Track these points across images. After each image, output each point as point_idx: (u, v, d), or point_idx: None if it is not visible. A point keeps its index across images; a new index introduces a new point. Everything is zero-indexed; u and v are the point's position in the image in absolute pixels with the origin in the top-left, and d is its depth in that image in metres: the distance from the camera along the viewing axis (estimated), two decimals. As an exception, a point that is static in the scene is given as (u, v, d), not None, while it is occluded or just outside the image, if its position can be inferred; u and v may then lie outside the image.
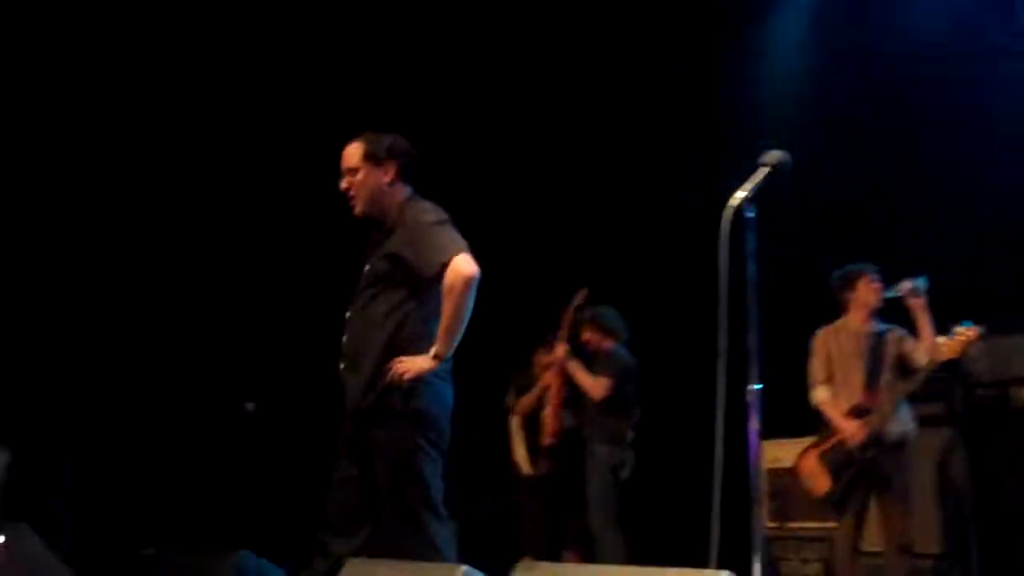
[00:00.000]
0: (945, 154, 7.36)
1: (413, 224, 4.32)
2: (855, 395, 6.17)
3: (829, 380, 6.28)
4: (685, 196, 7.80)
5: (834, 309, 6.44)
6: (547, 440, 7.53)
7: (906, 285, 6.07)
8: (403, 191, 4.46)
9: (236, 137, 8.92)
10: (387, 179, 4.43)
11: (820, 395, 6.28)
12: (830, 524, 6.78)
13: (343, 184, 4.46)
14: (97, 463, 8.21)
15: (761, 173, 3.63)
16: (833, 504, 6.20)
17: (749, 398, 3.44)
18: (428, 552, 4.09)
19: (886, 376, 6.16)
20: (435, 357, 4.16)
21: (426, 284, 4.26)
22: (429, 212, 4.36)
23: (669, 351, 7.58)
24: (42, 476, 7.70)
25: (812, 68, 8.46)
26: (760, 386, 3.43)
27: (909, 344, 6.14)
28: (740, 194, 3.57)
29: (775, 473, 7.72)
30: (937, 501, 6.85)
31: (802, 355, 6.52)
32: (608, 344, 7.30)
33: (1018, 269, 6.99)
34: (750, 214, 3.57)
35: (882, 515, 6.16)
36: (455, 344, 4.21)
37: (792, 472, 6.54)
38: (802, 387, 6.54)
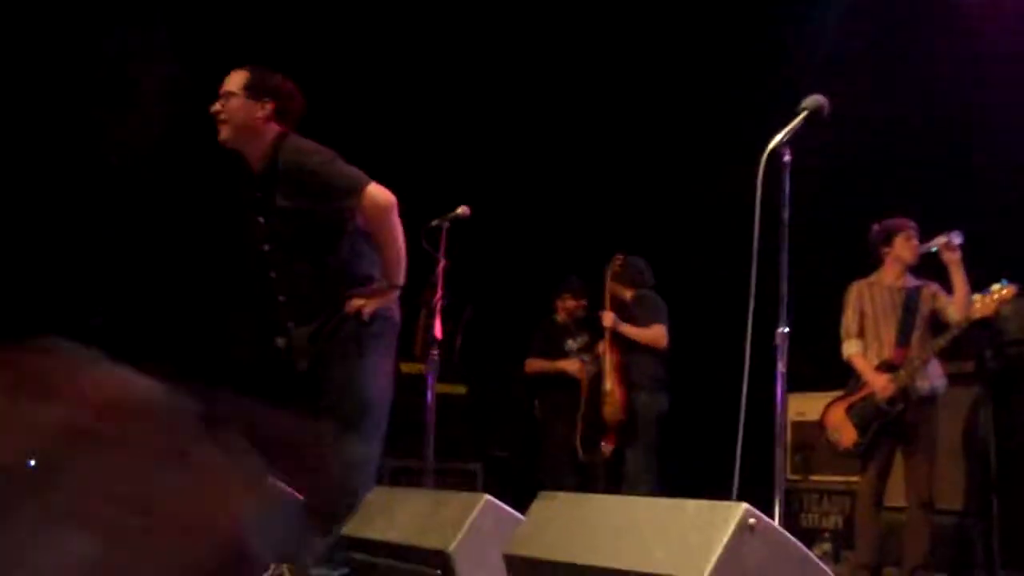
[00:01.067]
0: (988, 110, 7.27)
1: (302, 171, 4.25)
2: (886, 350, 6.16)
3: (861, 334, 6.27)
4: (725, 140, 7.73)
5: (867, 260, 6.41)
6: (618, 416, 7.44)
7: (941, 240, 6.04)
8: (275, 131, 4.37)
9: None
10: (261, 114, 4.34)
11: (851, 348, 6.27)
12: (852, 478, 6.81)
13: (215, 106, 4.36)
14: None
15: (799, 118, 3.62)
16: (858, 457, 6.21)
17: (777, 341, 3.45)
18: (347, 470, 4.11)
19: (918, 332, 6.15)
20: (392, 288, 4.23)
21: (346, 226, 4.25)
22: (315, 153, 4.29)
23: (702, 293, 7.58)
24: None
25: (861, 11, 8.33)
26: (787, 330, 3.43)
27: (943, 300, 6.12)
28: (777, 138, 3.57)
29: (799, 426, 7.76)
30: (961, 458, 6.85)
31: (830, 310, 6.50)
32: (641, 292, 7.31)
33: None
34: (787, 158, 3.56)
35: (907, 470, 6.17)
36: (403, 269, 4.24)
37: (818, 425, 6.54)
38: (829, 341, 6.53)
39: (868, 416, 6.12)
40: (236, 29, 8.17)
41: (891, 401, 6.04)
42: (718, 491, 3.82)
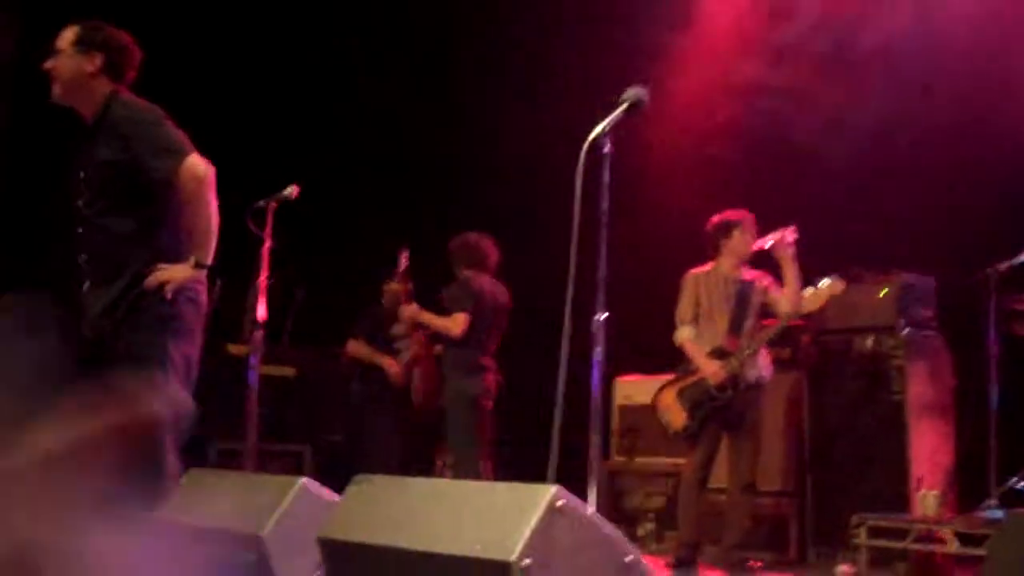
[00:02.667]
0: (825, 107, 7.51)
1: (127, 125, 4.16)
2: (718, 338, 6.32)
3: (695, 321, 6.41)
4: (546, 130, 7.82)
5: (697, 253, 6.56)
6: (424, 406, 7.48)
7: (776, 235, 6.22)
8: (108, 86, 4.27)
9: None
10: (90, 69, 4.24)
11: (685, 334, 6.42)
12: (677, 460, 7.00)
13: (47, 63, 4.26)
14: None
15: (619, 109, 3.68)
16: (686, 439, 6.37)
17: (594, 328, 3.51)
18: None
19: (750, 322, 6.33)
20: (197, 266, 4.07)
21: (160, 190, 4.12)
22: (145, 110, 4.20)
23: (526, 283, 7.62)
24: None
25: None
26: (606, 315, 3.50)
27: (774, 294, 6.31)
28: (598, 128, 3.62)
29: (626, 410, 7.93)
30: (779, 440, 7.11)
31: (660, 296, 6.64)
32: (464, 273, 7.21)
33: (868, 219, 7.23)
34: (607, 149, 3.62)
35: (731, 454, 6.35)
36: (212, 247, 4.10)
37: (649, 407, 6.68)
38: (655, 326, 6.67)
39: (698, 400, 6.27)
40: None
41: (721, 387, 6.20)
42: (543, 476, 3.88)
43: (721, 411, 6.25)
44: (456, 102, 9.01)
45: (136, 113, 4.18)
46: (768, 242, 6.28)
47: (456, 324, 6.89)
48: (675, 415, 6.37)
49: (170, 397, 3.97)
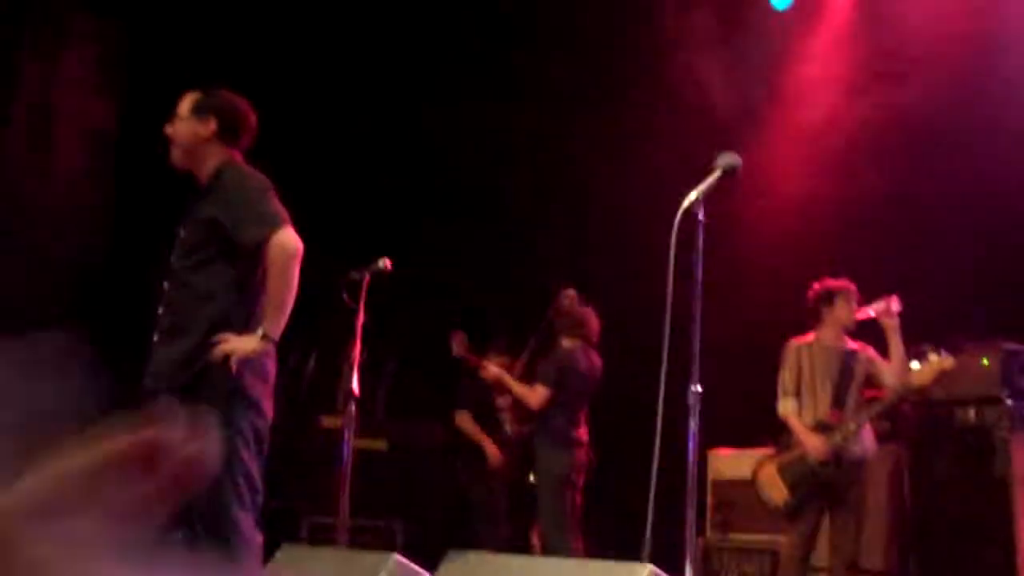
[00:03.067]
0: (925, 175, 7.41)
1: (232, 189, 4.22)
2: (821, 410, 6.16)
3: (797, 393, 6.28)
4: (640, 196, 7.79)
5: (792, 324, 6.45)
6: (513, 429, 7.48)
7: (880, 305, 6.08)
8: (222, 151, 4.35)
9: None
10: (205, 133, 4.33)
11: (787, 407, 6.24)
12: (773, 537, 6.82)
13: (167, 128, 4.37)
14: None
15: (714, 176, 3.64)
16: (787, 515, 6.20)
17: (690, 400, 3.44)
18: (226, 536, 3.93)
19: (853, 395, 6.16)
20: (263, 338, 4.01)
21: (247, 256, 4.12)
22: (249, 178, 4.26)
23: (618, 353, 7.55)
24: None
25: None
26: (700, 388, 3.43)
27: (879, 366, 6.15)
28: (692, 195, 3.58)
29: (720, 484, 7.76)
30: (883, 518, 6.90)
31: (748, 366, 6.54)
32: (564, 344, 7.18)
33: (970, 290, 7.07)
34: (701, 216, 3.58)
35: (833, 531, 6.15)
36: (283, 323, 4.06)
37: (744, 482, 6.54)
38: (749, 398, 6.56)
39: (800, 476, 6.11)
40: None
41: (823, 463, 6.04)
42: (636, 551, 3.80)
43: (823, 487, 6.09)
44: (547, 171, 9.03)
45: (243, 179, 4.26)
46: (871, 311, 6.14)
47: (535, 396, 6.85)
48: (776, 490, 6.22)
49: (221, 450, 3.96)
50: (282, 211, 4.17)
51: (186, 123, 4.35)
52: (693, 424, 3.43)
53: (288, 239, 4.07)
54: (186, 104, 4.39)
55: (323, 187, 8.49)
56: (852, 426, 6.04)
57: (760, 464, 6.36)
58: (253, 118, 4.46)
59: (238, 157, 4.39)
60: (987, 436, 6.46)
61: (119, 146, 8.56)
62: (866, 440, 6.16)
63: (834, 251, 7.56)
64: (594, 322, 7.09)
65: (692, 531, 3.32)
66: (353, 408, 5.42)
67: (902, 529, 6.84)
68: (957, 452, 6.59)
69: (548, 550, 6.92)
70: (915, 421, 6.86)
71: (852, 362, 6.20)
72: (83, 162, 8.41)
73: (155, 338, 4.24)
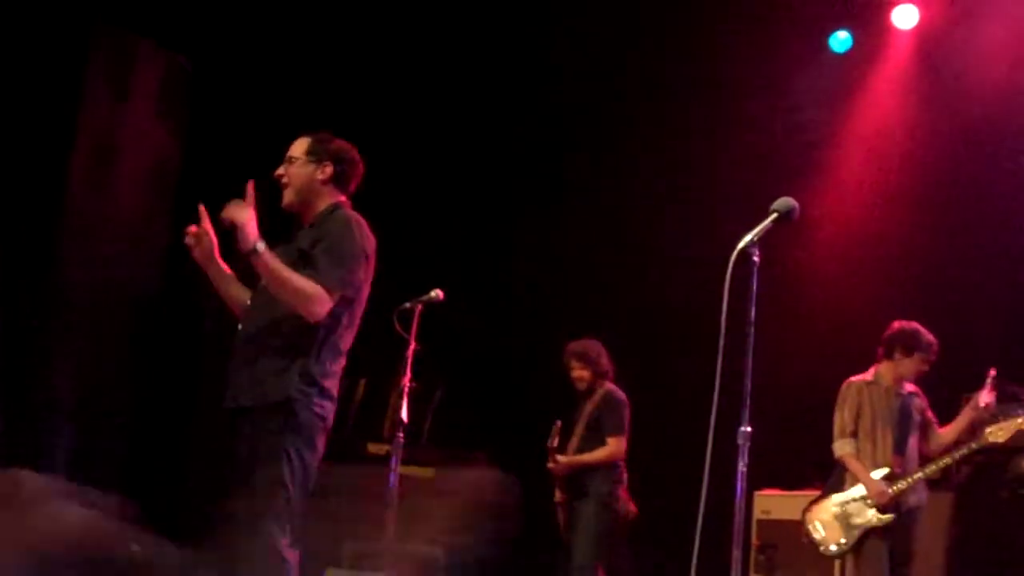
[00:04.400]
0: (981, 216, 7.40)
1: (334, 232, 4.29)
2: (881, 455, 6.07)
3: (855, 434, 6.19)
4: (693, 238, 7.81)
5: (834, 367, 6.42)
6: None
7: (988, 397, 6.04)
8: (333, 195, 4.45)
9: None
10: (321, 177, 4.41)
11: (846, 448, 6.15)
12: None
13: (279, 170, 4.43)
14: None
15: (769, 219, 3.66)
16: (840, 559, 6.14)
17: (739, 440, 3.46)
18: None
19: (913, 439, 6.11)
20: (259, 241, 4.06)
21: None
22: (353, 235, 4.31)
23: (669, 390, 7.56)
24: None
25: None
26: (749, 429, 3.44)
27: (929, 422, 6.18)
28: (747, 238, 3.60)
29: (765, 524, 7.71)
30: (929, 565, 6.82)
31: (798, 407, 6.51)
32: (606, 386, 7.09)
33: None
34: (756, 258, 3.60)
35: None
36: (270, 260, 4.06)
37: (793, 523, 6.47)
38: (795, 439, 6.52)
39: (857, 520, 6.05)
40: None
41: (884, 509, 5.99)
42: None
43: (880, 533, 6.02)
44: (600, 208, 9.05)
45: (347, 230, 4.31)
46: (982, 400, 6.04)
47: (616, 449, 6.80)
48: (830, 533, 6.15)
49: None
50: (350, 283, 4.23)
51: (302, 167, 4.42)
52: (742, 464, 3.43)
53: (320, 308, 4.12)
54: (301, 147, 4.46)
55: (380, 216, 8.56)
56: (919, 475, 5.99)
57: (812, 505, 6.27)
58: (362, 167, 4.55)
59: (347, 203, 4.48)
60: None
61: (181, 178, 8.67)
62: (920, 489, 6.11)
63: (885, 294, 7.56)
64: (609, 358, 7.05)
65: (738, 571, 3.32)
66: (401, 436, 5.48)
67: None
68: (1007, 500, 6.53)
69: None
70: (965, 468, 6.80)
71: (910, 407, 6.14)
72: (145, 193, 8.52)
73: (238, 351, 4.30)
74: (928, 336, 6.15)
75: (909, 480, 5.97)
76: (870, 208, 8.05)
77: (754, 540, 7.67)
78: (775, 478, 7.49)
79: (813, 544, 6.24)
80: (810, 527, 6.24)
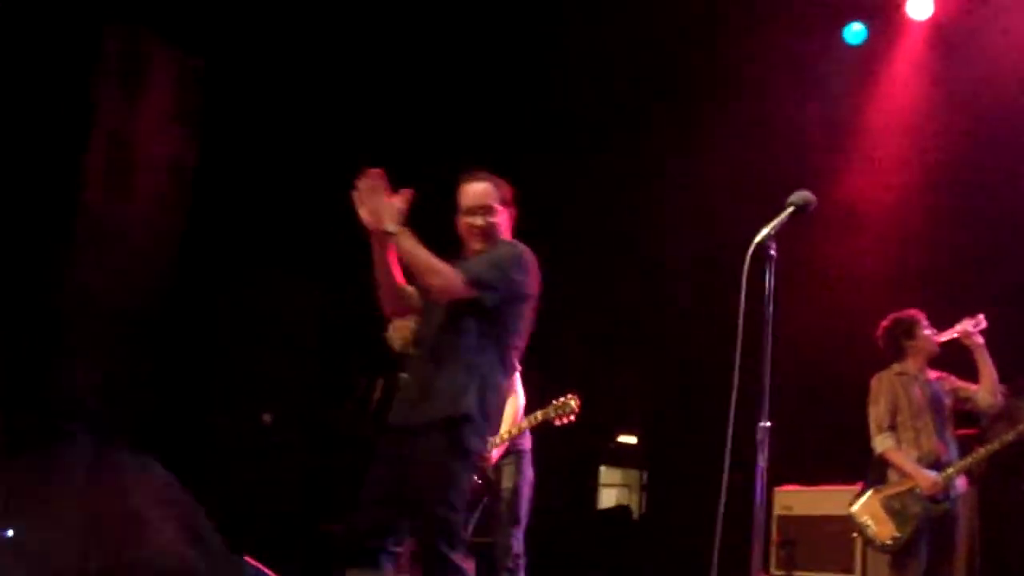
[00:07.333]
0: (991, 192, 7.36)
1: (501, 251, 4.32)
2: (926, 444, 5.98)
3: (892, 428, 6.09)
4: (713, 232, 7.78)
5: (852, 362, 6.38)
6: None
7: (967, 324, 5.99)
8: (505, 234, 4.46)
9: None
10: (505, 223, 4.44)
11: (887, 442, 6.05)
12: (837, 575, 6.73)
13: (478, 220, 4.38)
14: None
15: (785, 212, 3.64)
16: (895, 552, 6.06)
17: (759, 435, 3.43)
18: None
19: (950, 427, 6.05)
20: (394, 230, 4.06)
21: (491, 309, 4.21)
22: (510, 253, 4.33)
23: (687, 388, 7.55)
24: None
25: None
26: (769, 424, 3.41)
27: (968, 390, 6.05)
28: (764, 231, 3.58)
29: (785, 520, 7.69)
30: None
31: (813, 402, 6.47)
32: None
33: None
34: (772, 252, 3.57)
35: (936, 566, 6.00)
36: (407, 239, 4.08)
37: (813, 518, 6.44)
38: (814, 434, 6.49)
39: (911, 512, 5.98)
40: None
41: (937, 499, 5.93)
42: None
43: (934, 523, 5.94)
44: (616, 203, 9.03)
45: (505, 250, 4.34)
46: (956, 332, 6.02)
47: None
48: (882, 527, 6.04)
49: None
50: (489, 284, 4.18)
51: (498, 215, 4.40)
52: (761, 460, 3.41)
53: (445, 285, 4.12)
54: (492, 196, 4.42)
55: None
56: (970, 460, 5.93)
57: (860, 500, 6.15)
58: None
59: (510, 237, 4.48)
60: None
61: (196, 178, 8.67)
62: (960, 475, 6.05)
63: (905, 287, 7.52)
64: None
65: (758, 566, 3.30)
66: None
67: (970, 570, 6.73)
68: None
69: None
70: (986, 461, 6.75)
71: (941, 393, 6.07)
72: (160, 193, 8.52)
73: (415, 363, 4.31)
74: (909, 312, 6.15)
75: (958, 467, 5.91)
76: (889, 198, 8.00)
77: (774, 536, 7.65)
78: (794, 474, 7.47)
79: (867, 541, 6.15)
80: (860, 523, 6.11)
